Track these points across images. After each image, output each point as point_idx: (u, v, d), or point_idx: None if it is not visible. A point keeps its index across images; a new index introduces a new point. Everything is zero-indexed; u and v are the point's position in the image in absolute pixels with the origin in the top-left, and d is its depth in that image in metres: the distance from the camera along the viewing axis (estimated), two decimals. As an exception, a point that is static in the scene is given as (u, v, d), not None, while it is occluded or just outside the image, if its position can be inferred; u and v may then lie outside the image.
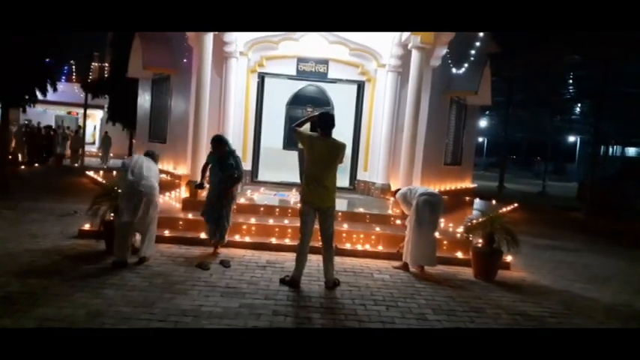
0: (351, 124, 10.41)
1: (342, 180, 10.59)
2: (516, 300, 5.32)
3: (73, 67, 23.03)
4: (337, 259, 6.24)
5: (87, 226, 6.58)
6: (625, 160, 21.02)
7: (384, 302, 4.86)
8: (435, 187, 11.04)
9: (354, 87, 10.32)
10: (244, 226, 7.02)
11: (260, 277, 5.34)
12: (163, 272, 5.26)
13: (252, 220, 7.10)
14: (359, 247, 6.76)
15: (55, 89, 12.80)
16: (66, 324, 3.76)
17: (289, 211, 7.62)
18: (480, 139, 45.13)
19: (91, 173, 13.42)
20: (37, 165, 16.96)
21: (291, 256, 5.33)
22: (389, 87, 9.68)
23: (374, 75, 10.05)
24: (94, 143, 26.23)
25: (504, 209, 12.77)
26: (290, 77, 10.16)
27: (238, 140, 9.95)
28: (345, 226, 7.21)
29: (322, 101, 13.61)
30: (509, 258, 6.65)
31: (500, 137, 26.67)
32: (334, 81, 10.30)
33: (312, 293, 4.97)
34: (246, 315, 4.22)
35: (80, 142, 18.66)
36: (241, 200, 7.84)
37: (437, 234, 6.94)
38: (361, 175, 10.35)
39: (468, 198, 13.55)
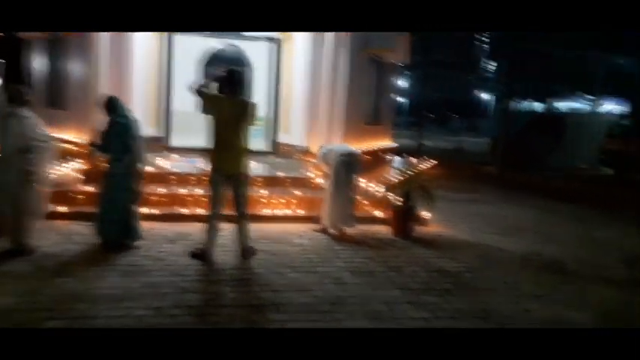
0: (270, 84, 9.97)
1: (262, 143, 10.22)
2: (433, 256, 5.33)
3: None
4: (255, 226, 5.92)
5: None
6: (532, 115, 22.24)
7: (302, 268, 4.66)
8: (357, 147, 10.98)
9: (271, 45, 9.81)
10: (153, 197, 6.50)
11: (168, 252, 4.93)
12: (55, 253, 4.68)
13: (161, 190, 6.59)
14: (278, 213, 6.50)
15: None
16: None
17: (204, 178, 7.15)
18: (402, 99, 46.08)
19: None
20: None
21: (204, 227, 4.92)
22: (307, 45, 9.27)
23: (291, 32, 9.58)
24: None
25: (423, 166, 13.03)
26: (202, 34, 9.43)
27: (145, 104, 9.21)
28: (263, 191, 6.89)
29: (240, 62, 12.92)
30: (426, 214, 6.68)
31: (420, 96, 27.35)
32: (249, 38, 9.73)
33: (226, 265, 4.66)
34: (150, 295, 3.84)
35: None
36: (148, 169, 7.24)
37: (355, 195, 6.84)
38: (282, 138, 9.98)
39: (389, 157, 13.68)
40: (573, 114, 20.85)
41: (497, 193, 10.07)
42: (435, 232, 6.42)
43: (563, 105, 33.60)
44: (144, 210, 6.12)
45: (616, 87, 24.39)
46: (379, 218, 6.65)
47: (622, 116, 15.01)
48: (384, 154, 12.91)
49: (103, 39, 7.61)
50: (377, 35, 10.39)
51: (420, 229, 6.34)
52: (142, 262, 4.59)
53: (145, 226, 5.73)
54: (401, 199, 6.23)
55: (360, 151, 6.38)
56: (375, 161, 11.42)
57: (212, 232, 4.74)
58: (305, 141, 9.48)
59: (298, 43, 9.51)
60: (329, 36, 8.19)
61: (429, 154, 17.95)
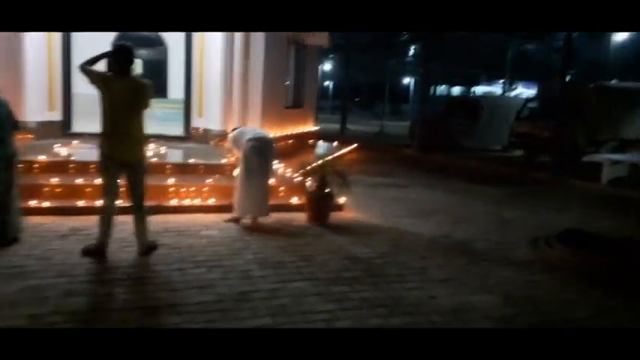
0: (182, 65, 9.43)
1: (176, 128, 9.72)
2: (347, 243, 5.24)
3: None
4: (161, 218, 5.60)
5: None
6: (449, 99, 23.07)
7: (207, 263, 4.37)
8: (277, 131, 10.74)
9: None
10: (46, 188, 5.89)
11: (57, 250, 4.45)
12: None
13: (55, 180, 5.98)
14: (187, 202, 6.12)
15: None
16: None
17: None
18: (327, 83, 46.35)
19: None
20: None
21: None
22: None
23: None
24: None
25: (345, 150, 13.05)
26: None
27: (40, 85, 8.37)
28: (172, 179, 6.47)
29: (154, 40, 12.15)
30: (342, 200, 6.60)
31: (345, 80, 27.51)
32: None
33: (122, 263, 4.27)
34: (26, 301, 3.40)
35: None
36: (41, 157, 6.57)
37: (273, 180, 6.62)
38: (197, 122, 9.50)
39: (311, 141, 13.57)
40: (486, 97, 21.80)
41: (413, 176, 10.24)
42: (350, 217, 6.35)
43: (479, 89, 35.23)
44: (33, 203, 5.53)
45: (525, 71, 25.85)
46: (296, 205, 6.47)
47: (529, 99, 15.82)
48: (306, 138, 12.78)
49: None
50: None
51: (336, 215, 6.24)
52: (23, 262, 4.09)
53: (34, 221, 5.20)
54: (316, 185, 6.08)
55: (272, 134, 6.11)
56: (295, 145, 11.25)
57: (105, 225, 4.32)
58: (221, 125, 9.09)
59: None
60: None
61: (352, 137, 18.12)
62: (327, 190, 6.03)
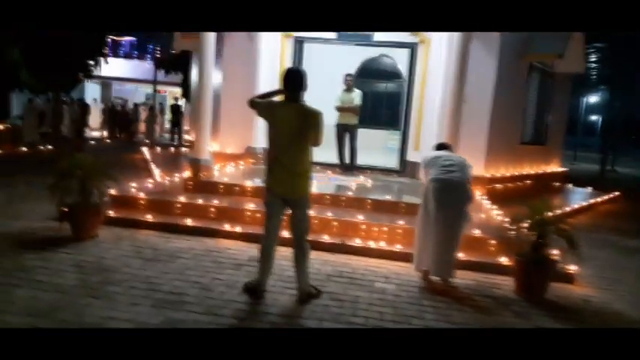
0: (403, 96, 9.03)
1: (390, 161, 9.32)
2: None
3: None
4: (342, 259, 5.11)
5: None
6: None
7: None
8: (509, 171, 9.29)
9: (406, 51, 8.84)
10: (248, 213, 6.02)
11: (222, 281, 4.31)
12: (106, 267, 4.44)
13: (252, 206, 6.07)
14: (372, 245, 5.44)
15: (107, 62, 13.02)
16: None
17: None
18: (594, 117, 40.64)
19: (144, 149, 13.24)
20: (108, 141, 17.54)
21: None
22: (447, 50, 7.96)
23: (428, 35, 8.43)
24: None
25: (600, 198, 10.52)
26: (327, 40, 8.82)
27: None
28: (361, 217, 5.91)
29: (392, 73, 12.20)
30: (572, 268, 4.97)
31: (617, 115, 23.34)
32: (380, 44, 8.91)
33: (273, 308, 3.83)
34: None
35: (154, 118, 18.82)
36: (249, 182, 6.81)
37: (477, 231, 5.47)
38: (412, 156, 8.87)
39: (557, 184, 11.43)
40: None
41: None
42: (580, 294, 4.69)
43: None
44: (227, 227, 5.68)
45: None
46: (506, 266, 5.11)
47: None
48: (548, 180, 10.80)
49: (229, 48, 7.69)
50: (540, 38, 8.63)
51: (559, 289, 4.70)
52: (187, 290, 4.05)
53: (222, 244, 5.32)
54: (530, 246, 4.65)
55: (471, 167, 4.78)
56: (535, 188, 9.57)
57: (265, 263, 3.98)
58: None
59: (436, 48, 8.31)
60: (476, 40, 6.99)
61: (617, 181, 14.81)
62: (544, 252, 4.57)
